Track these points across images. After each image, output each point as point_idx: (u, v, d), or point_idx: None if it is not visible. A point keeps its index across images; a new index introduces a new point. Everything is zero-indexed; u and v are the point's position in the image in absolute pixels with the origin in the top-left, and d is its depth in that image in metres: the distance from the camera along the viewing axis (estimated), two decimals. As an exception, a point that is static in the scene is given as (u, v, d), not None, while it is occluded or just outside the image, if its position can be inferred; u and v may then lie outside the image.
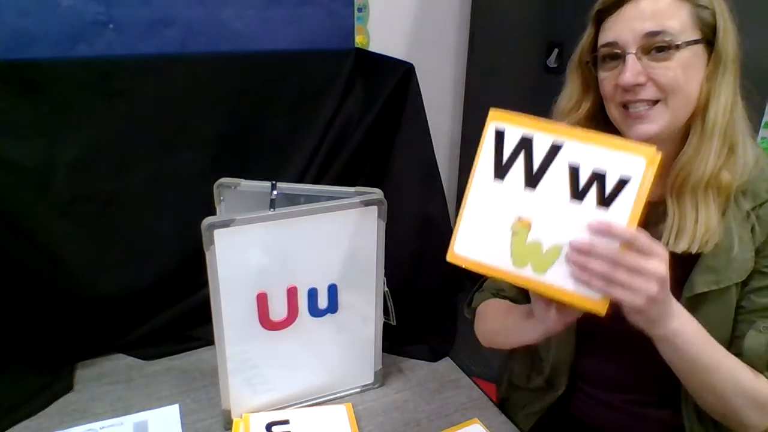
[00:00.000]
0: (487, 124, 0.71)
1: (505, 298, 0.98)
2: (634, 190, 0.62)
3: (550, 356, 0.95)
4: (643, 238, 0.63)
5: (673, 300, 0.70)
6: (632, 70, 0.75)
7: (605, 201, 0.64)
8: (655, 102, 0.77)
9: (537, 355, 1.00)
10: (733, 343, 0.80)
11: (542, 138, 0.67)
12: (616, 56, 0.78)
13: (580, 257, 0.64)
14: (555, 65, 1.89)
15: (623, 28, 0.76)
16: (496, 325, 0.94)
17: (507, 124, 0.69)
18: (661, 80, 0.75)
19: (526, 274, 0.69)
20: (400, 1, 2.17)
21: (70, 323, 1.06)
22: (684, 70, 0.75)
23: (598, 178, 0.64)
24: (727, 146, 0.77)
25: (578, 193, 0.65)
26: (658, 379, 0.86)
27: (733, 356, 0.78)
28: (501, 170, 0.69)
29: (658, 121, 0.77)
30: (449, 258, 0.74)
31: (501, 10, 2.15)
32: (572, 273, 0.65)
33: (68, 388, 1.01)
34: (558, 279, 0.67)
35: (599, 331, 0.89)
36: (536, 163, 0.67)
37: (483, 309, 0.99)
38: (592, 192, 0.64)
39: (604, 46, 0.79)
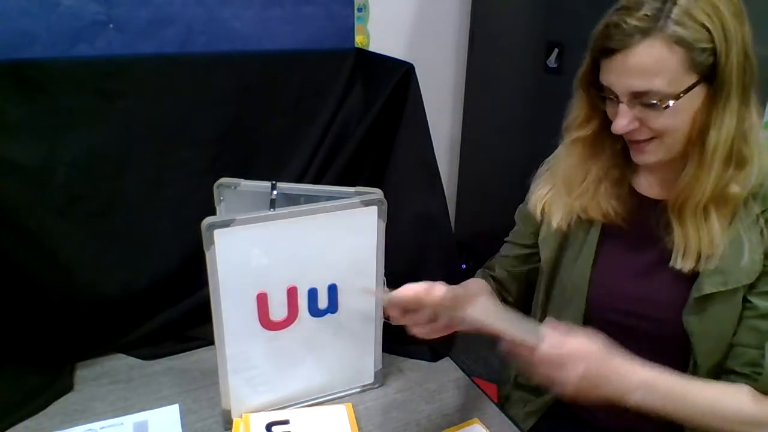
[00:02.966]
0: None
1: (493, 278, 1.02)
2: None
3: None
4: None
5: (625, 374, 0.74)
6: (623, 118, 0.75)
7: None
8: (652, 138, 0.77)
9: None
10: (741, 353, 0.80)
11: None
12: (612, 97, 0.78)
13: None
14: (555, 65, 1.89)
15: (613, 80, 0.75)
16: None
17: None
18: (654, 126, 0.75)
19: None
20: (400, 1, 2.17)
21: (70, 323, 1.06)
22: (677, 115, 0.74)
23: None
24: (733, 166, 0.76)
25: None
26: None
27: (719, 387, 0.78)
28: None
29: (655, 153, 0.79)
30: None
31: (501, 10, 2.15)
32: None
33: (68, 388, 1.01)
34: None
35: (604, 326, 0.89)
36: None
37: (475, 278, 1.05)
38: None
39: (602, 83, 0.79)
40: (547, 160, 0.97)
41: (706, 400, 0.76)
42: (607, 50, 0.74)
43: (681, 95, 0.72)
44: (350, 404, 0.97)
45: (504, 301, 1.03)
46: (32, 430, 0.92)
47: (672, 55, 0.70)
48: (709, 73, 0.72)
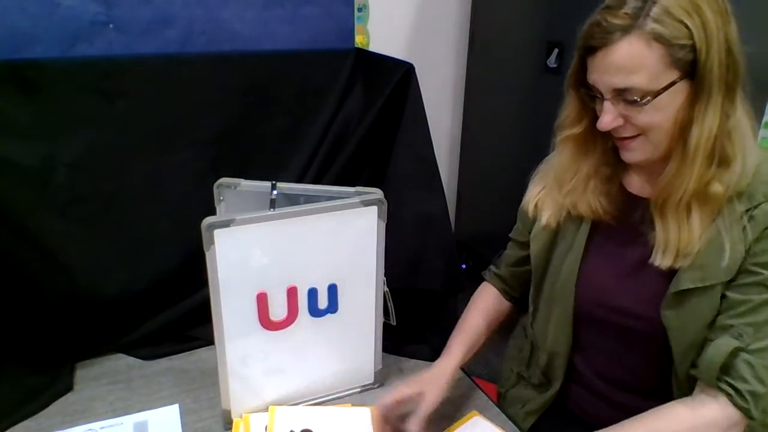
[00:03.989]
0: None
1: (498, 276, 1.05)
2: None
3: (547, 347, 0.96)
4: None
5: None
6: (608, 114, 0.77)
7: None
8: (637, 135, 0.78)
9: (535, 343, 1.01)
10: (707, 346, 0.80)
11: None
12: (598, 95, 0.78)
13: None
14: (555, 65, 1.89)
15: (596, 78, 0.77)
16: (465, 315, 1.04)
17: None
18: (637, 123, 0.76)
19: None
20: (400, 1, 2.17)
21: (70, 323, 1.06)
22: (661, 111, 0.75)
23: None
24: (716, 164, 0.76)
25: None
26: (653, 374, 0.87)
27: (661, 415, 0.79)
28: None
29: (641, 151, 0.80)
30: None
31: (501, 10, 2.15)
32: None
33: (68, 388, 1.01)
34: None
35: (592, 323, 0.90)
36: None
37: (481, 289, 1.07)
38: None
39: (588, 82, 0.80)
40: (545, 159, 0.97)
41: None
42: (590, 48, 0.76)
43: (662, 92, 0.73)
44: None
45: (510, 298, 1.03)
46: (32, 430, 0.92)
47: (651, 51, 0.72)
48: (691, 70, 0.73)
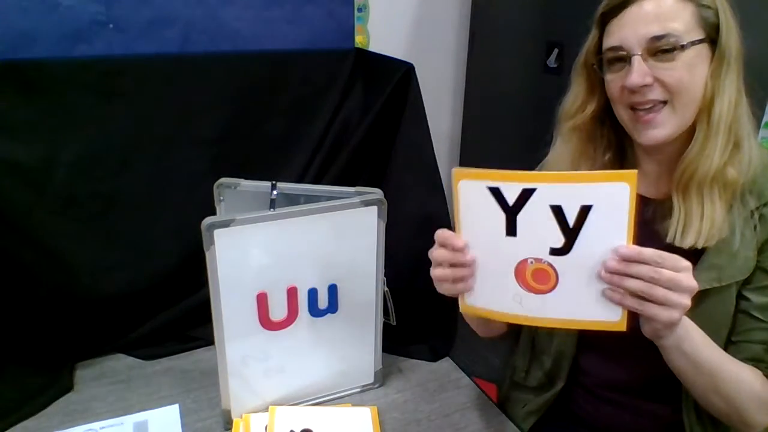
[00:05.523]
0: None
1: None
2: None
3: (553, 348, 0.95)
4: (670, 256, 0.66)
5: None
6: (639, 71, 0.76)
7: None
8: (663, 103, 0.78)
9: (537, 347, 1.00)
10: (745, 348, 0.81)
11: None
12: (622, 59, 0.78)
13: (614, 278, 0.67)
14: (555, 65, 1.89)
15: (628, 32, 0.77)
16: None
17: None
18: (668, 81, 0.76)
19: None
20: (400, 1, 2.17)
21: (70, 323, 1.06)
22: (689, 70, 0.76)
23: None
24: (732, 143, 0.77)
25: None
26: (659, 375, 0.87)
27: (730, 357, 0.79)
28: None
29: (666, 125, 0.78)
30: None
31: (501, 10, 2.14)
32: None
33: (68, 388, 1.01)
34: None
35: None
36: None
37: None
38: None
39: (609, 49, 0.80)
40: (540, 164, 0.97)
41: (731, 365, 0.77)
42: (621, 5, 0.78)
43: (691, 45, 0.75)
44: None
45: None
46: (32, 430, 0.92)
47: (684, 6, 0.76)
48: (714, 36, 0.76)
